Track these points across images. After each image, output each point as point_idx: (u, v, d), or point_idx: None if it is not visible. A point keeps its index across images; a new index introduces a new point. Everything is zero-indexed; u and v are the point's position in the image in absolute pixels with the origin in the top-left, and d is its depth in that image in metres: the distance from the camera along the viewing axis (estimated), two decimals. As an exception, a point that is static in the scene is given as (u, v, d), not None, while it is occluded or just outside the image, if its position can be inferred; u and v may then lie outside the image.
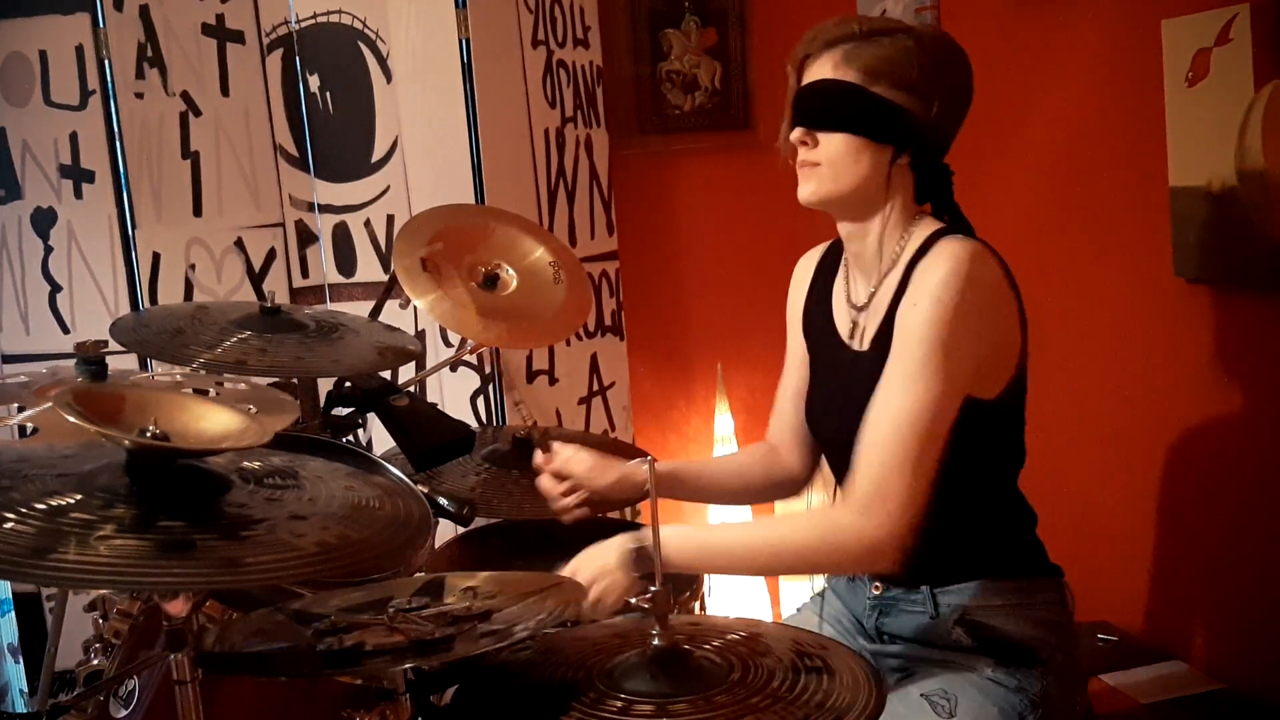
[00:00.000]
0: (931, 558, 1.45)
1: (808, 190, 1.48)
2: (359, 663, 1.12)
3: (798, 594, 2.77)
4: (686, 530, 1.43)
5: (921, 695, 1.43)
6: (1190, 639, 1.94)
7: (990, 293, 1.40)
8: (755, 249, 2.86)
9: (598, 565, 1.39)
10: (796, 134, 1.47)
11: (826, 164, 1.46)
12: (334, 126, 2.57)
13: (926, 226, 1.48)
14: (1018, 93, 2.20)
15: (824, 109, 1.45)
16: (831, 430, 1.58)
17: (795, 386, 1.70)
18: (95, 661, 1.46)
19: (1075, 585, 1.54)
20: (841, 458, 1.59)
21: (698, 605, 1.81)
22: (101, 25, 2.42)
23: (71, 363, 1.61)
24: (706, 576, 1.85)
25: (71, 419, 0.99)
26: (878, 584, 1.55)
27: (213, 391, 1.66)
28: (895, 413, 1.36)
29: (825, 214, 1.52)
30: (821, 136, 1.46)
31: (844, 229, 1.55)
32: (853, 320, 1.54)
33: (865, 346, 1.50)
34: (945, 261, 1.38)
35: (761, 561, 1.43)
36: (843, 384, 1.52)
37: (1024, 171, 2.20)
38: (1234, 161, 1.71)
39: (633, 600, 1.37)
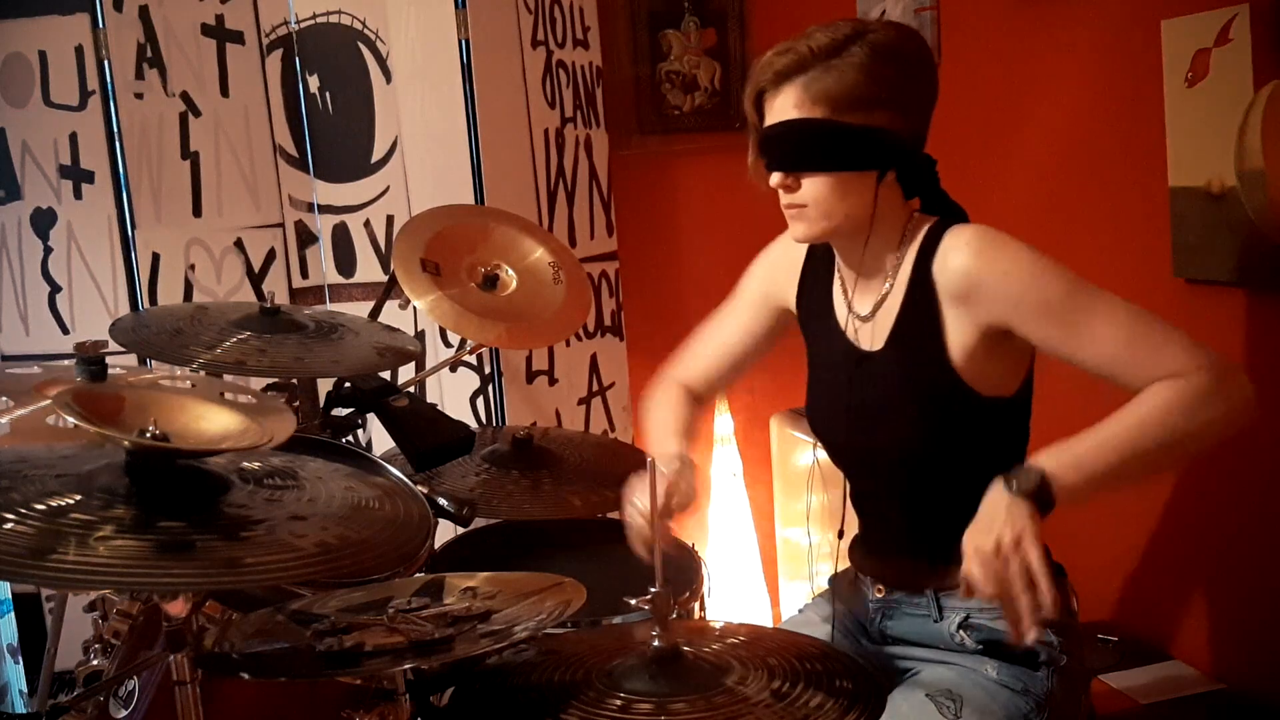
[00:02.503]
0: (936, 560, 1.45)
1: (800, 232, 1.46)
2: (359, 663, 1.12)
3: (797, 596, 2.77)
4: (1059, 454, 1.30)
5: (927, 696, 1.43)
6: (1190, 639, 1.94)
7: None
8: (755, 249, 2.85)
9: (1000, 521, 1.26)
10: (776, 179, 1.44)
11: (813, 205, 1.43)
12: (334, 127, 2.57)
13: (923, 226, 1.47)
14: (1018, 92, 2.20)
15: (800, 152, 1.41)
16: (837, 432, 1.58)
17: (735, 349, 1.71)
18: (95, 662, 1.46)
19: (1075, 585, 1.54)
20: (847, 456, 1.59)
21: (697, 606, 1.81)
22: (101, 25, 2.42)
23: (69, 363, 1.61)
24: (706, 578, 1.84)
25: (71, 419, 0.99)
26: (880, 587, 1.55)
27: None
28: (1114, 328, 1.34)
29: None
30: (804, 180, 1.42)
31: (840, 247, 1.54)
32: (858, 328, 1.53)
33: (877, 346, 1.49)
34: (971, 244, 1.38)
35: (1152, 445, 1.31)
36: (849, 384, 1.52)
37: (1023, 172, 2.20)
38: (1234, 161, 1.71)
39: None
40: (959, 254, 1.39)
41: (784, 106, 1.41)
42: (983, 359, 1.41)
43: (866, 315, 1.51)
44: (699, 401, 1.74)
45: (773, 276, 1.68)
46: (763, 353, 1.72)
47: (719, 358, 1.73)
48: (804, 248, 1.64)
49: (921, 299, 1.43)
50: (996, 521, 1.26)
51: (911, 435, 1.46)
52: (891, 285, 1.48)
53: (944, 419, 1.44)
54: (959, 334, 1.41)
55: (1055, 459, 1.29)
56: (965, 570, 1.27)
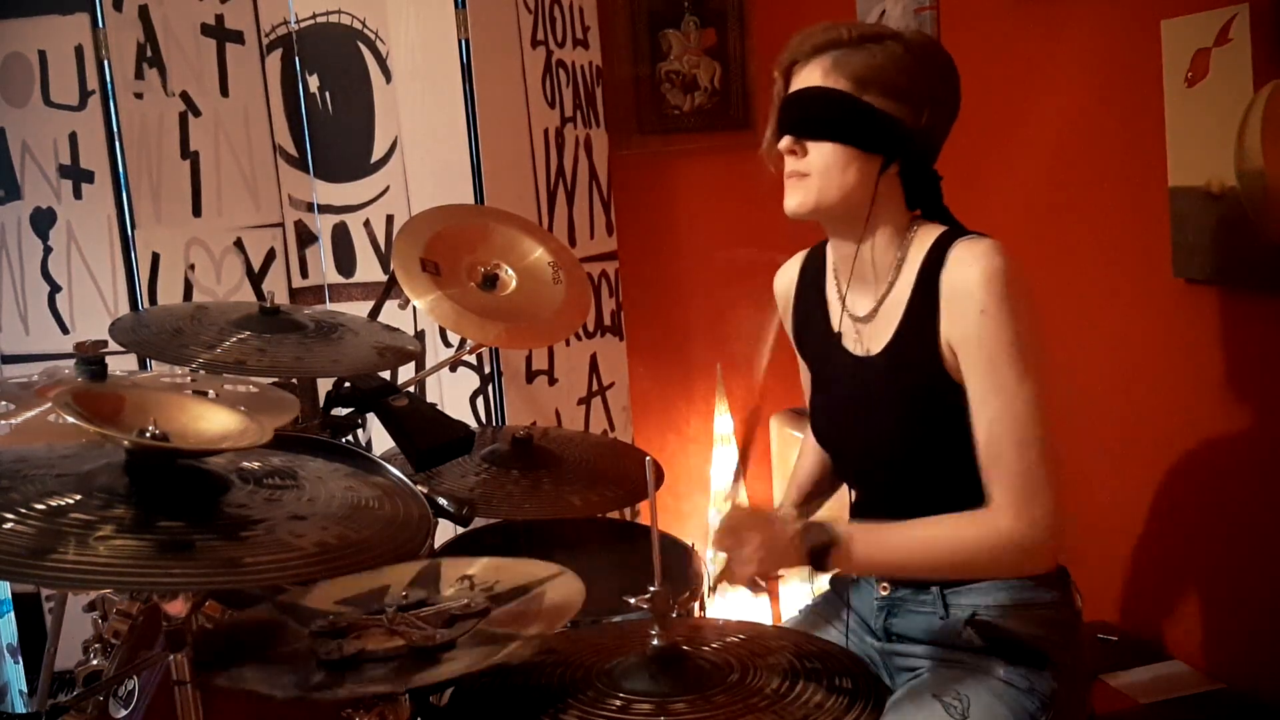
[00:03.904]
0: None
1: (795, 201, 1.47)
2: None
3: (798, 596, 2.77)
4: (864, 531, 1.39)
5: (933, 695, 1.43)
6: (1190, 639, 1.94)
7: (1029, 280, 1.40)
8: (755, 250, 2.86)
9: (775, 530, 1.37)
10: (785, 143, 1.46)
11: (815, 174, 1.44)
12: (334, 126, 2.57)
13: (928, 232, 1.47)
14: (1017, 92, 2.20)
15: (813, 118, 1.44)
16: (839, 438, 1.58)
17: None
18: (95, 662, 1.46)
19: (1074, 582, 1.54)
20: (850, 465, 1.60)
21: (697, 606, 1.81)
22: (101, 25, 2.42)
23: (70, 363, 1.61)
24: (706, 578, 1.85)
25: (71, 419, 0.99)
26: (885, 584, 1.55)
27: (212, 393, 1.66)
28: (1015, 417, 1.35)
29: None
30: (811, 146, 1.44)
31: (834, 240, 1.55)
32: (855, 330, 1.53)
33: (874, 352, 1.49)
34: (979, 261, 1.37)
35: (929, 562, 1.41)
36: (849, 391, 1.52)
37: (1023, 172, 2.20)
38: (1234, 161, 1.71)
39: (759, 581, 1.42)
40: (967, 266, 1.38)
41: (810, 75, 1.45)
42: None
43: (864, 316, 1.51)
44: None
45: (782, 312, 1.71)
46: None
47: None
48: (795, 271, 1.66)
49: (925, 303, 1.43)
50: (772, 547, 1.36)
51: (910, 436, 1.47)
52: (892, 286, 1.48)
53: (942, 421, 1.44)
54: (944, 338, 1.42)
55: (853, 544, 1.37)
56: (720, 542, 1.38)
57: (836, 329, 1.56)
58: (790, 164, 1.47)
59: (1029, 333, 1.36)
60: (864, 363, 1.51)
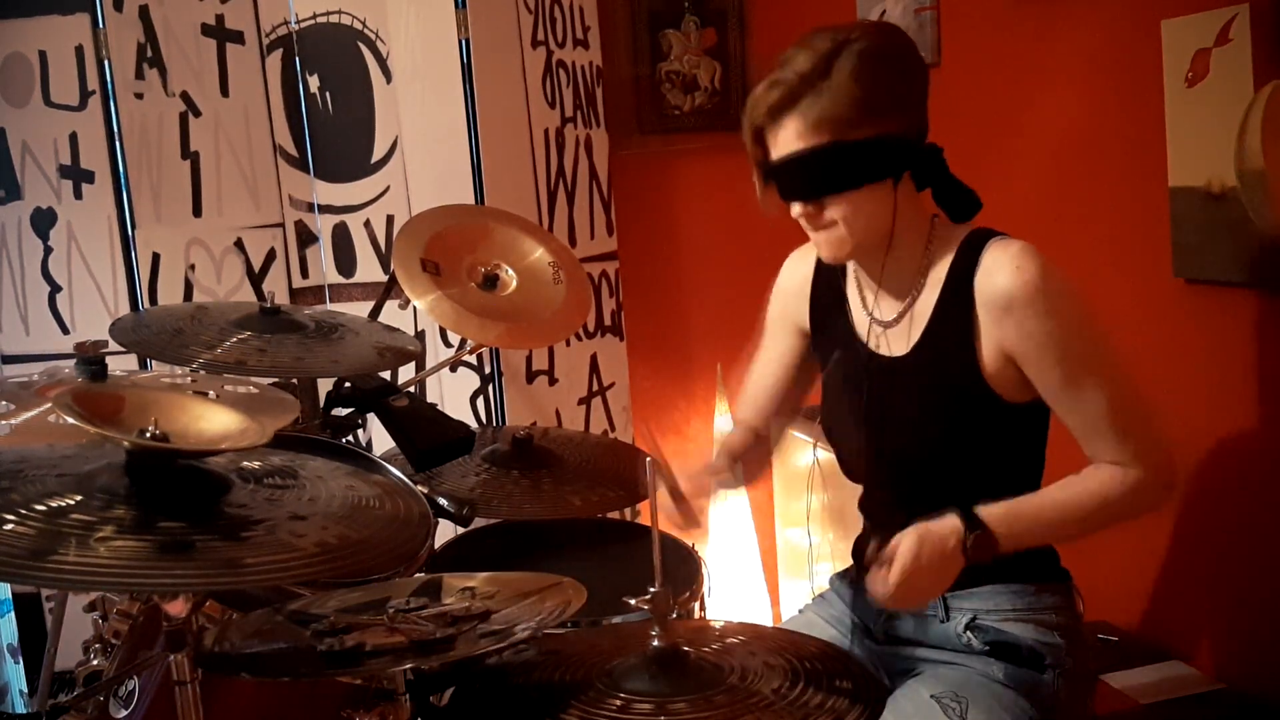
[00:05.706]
0: None
1: (830, 252, 1.46)
2: (359, 663, 1.12)
3: (798, 596, 2.77)
4: (1002, 508, 1.38)
5: (932, 697, 1.43)
6: (1190, 639, 1.94)
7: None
8: (755, 249, 2.86)
9: (932, 547, 1.35)
10: (798, 210, 1.44)
11: (840, 222, 1.43)
12: (334, 127, 2.57)
13: (950, 233, 1.47)
14: (1017, 93, 2.20)
15: (816, 180, 1.41)
16: (855, 439, 1.57)
17: (773, 381, 1.73)
18: (95, 662, 1.46)
19: (1076, 585, 1.54)
20: (865, 465, 1.59)
21: (697, 607, 1.81)
22: (101, 25, 2.42)
23: (70, 363, 1.61)
24: (706, 578, 1.84)
25: (71, 419, 0.99)
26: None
27: (212, 393, 1.66)
28: (1112, 390, 1.39)
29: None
30: (825, 202, 1.42)
31: (862, 258, 1.53)
32: (879, 333, 1.53)
33: (901, 352, 1.49)
34: (1020, 271, 1.38)
35: (1073, 524, 1.42)
36: (870, 390, 1.52)
37: (1023, 172, 2.20)
38: (1234, 161, 1.71)
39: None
40: (1007, 274, 1.39)
41: (787, 139, 1.40)
42: (1008, 368, 1.42)
43: (890, 321, 1.51)
44: (758, 435, 1.76)
45: (785, 301, 1.70)
46: (805, 380, 1.73)
47: (763, 392, 1.75)
48: (810, 266, 1.66)
49: (957, 306, 1.43)
50: (939, 564, 1.35)
51: (935, 439, 1.46)
52: (920, 291, 1.47)
53: (969, 423, 1.45)
54: (990, 344, 1.42)
55: (1006, 527, 1.37)
56: (886, 576, 1.34)
57: (859, 330, 1.56)
58: (810, 222, 1.46)
59: (1087, 314, 1.41)
60: (889, 362, 1.50)
